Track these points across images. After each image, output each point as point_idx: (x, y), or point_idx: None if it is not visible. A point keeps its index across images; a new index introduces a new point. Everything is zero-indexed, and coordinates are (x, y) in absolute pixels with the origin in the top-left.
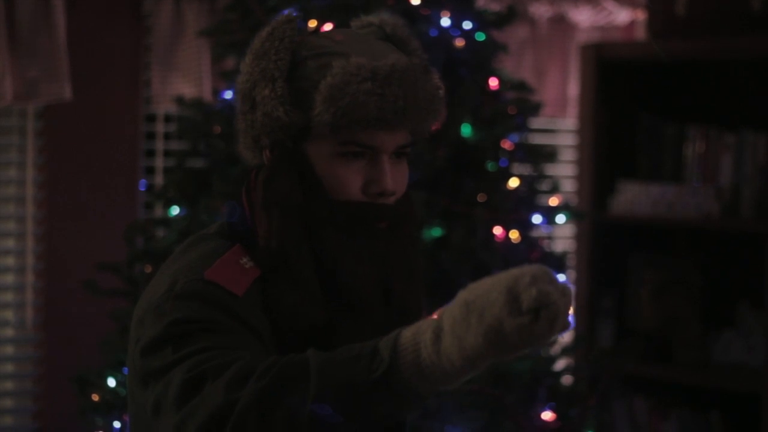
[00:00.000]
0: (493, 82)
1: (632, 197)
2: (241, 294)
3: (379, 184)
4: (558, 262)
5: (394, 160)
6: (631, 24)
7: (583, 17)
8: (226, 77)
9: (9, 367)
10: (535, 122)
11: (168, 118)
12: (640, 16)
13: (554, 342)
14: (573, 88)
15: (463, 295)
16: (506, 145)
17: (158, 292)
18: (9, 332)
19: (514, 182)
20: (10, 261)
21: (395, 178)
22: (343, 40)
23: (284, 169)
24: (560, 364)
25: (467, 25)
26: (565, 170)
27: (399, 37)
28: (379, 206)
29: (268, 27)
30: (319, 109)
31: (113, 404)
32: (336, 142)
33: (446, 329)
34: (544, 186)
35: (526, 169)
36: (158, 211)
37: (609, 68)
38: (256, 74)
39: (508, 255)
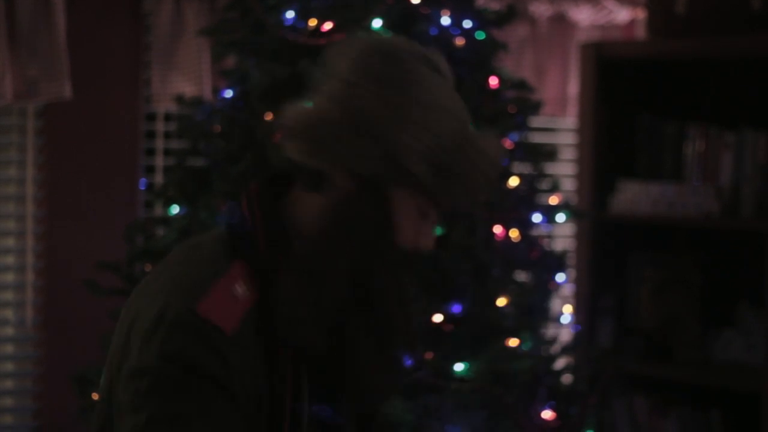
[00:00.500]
0: (493, 81)
1: (632, 196)
2: (229, 331)
3: (427, 243)
4: (558, 261)
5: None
6: (631, 23)
7: (583, 16)
8: (226, 76)
9: (9, 366)
10: (535, 121)
11: (168, 117)
12: (640, 15)
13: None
14: (573, 87)
15: None
16: (506, 143)
17: (150, 312)
18: (9, 331)
19: (514, 181)
20: (10, 260)
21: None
22: (453, 104)
23: (372, 205)
24: (560, 363)
25: (467, 23)
26: (565, 169)
27: (447, 77)
28: (422, 257)
29: (397, 52)
30: (427, 173)
31: None
32: (422, 199)
33: None
34: (544, 185)
35: (526, 168)
36: (158, 210)
37: (609, 67)
38: (381, 106)
39: (508, 254)
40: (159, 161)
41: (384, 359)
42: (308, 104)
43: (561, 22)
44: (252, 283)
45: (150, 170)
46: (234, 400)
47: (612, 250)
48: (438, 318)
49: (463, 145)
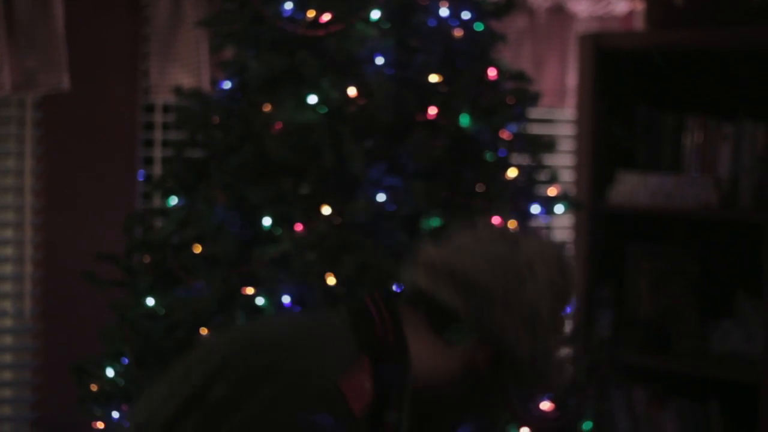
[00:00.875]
0: (492, 73)
1: (631, 187)
2: (357, 414)
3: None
4: None
5: None
6: (630, 14)
7: (581, 7)
8: (224, 67)
9: (7, 358)
10: (534, 112)
11: (166, 108)
12: (639, 6)
13: None
14: (571, 78)
15: None
16: (505, 135)
17: (286, 367)
18: (7, 322)
19: (512, 172)
20: (8, 251)
21: None
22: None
23: (499, 385)
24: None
25: (466, 15)
26: (563, 160)
27: None
28: None
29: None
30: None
31: (112, 394)
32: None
33: None
34: (543, 176)
35: (524, 159)
36: (157, 201)
37: (607, 58)
38: (519, 327)
39: None
40: (157, 152)
41: None
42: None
43: (559, 13)
44: (371, 381)
45: (148, 161)
46: None
47: (610, 241)
48: None
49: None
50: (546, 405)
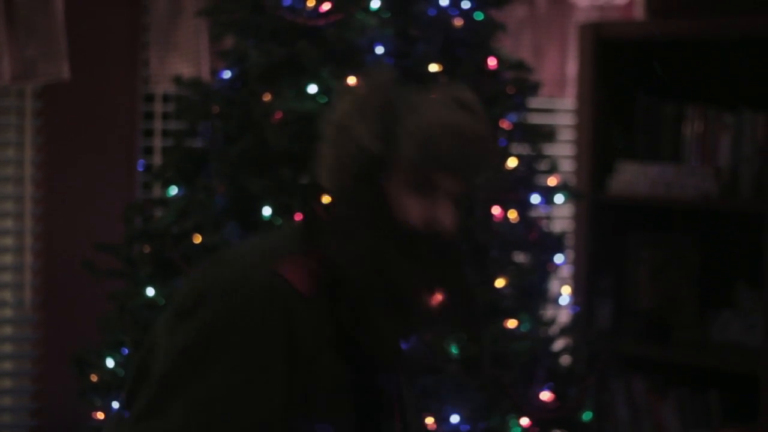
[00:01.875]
0: (492, 62)
1: (631, 177)
2: (307, 294)
3: (443, 224)
4: (556, 243)
5: (453, 203)
6: (630, 3)
7: None
8: (224, 56)
9: (7, 348)
10: (534, 102)
11: (166, 98)
12: None
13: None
14: (571, 68)
15: None
16: (505, 124)
17: (227, 270)
18: (7, 312)
19: (512, 162)
20: (8, 241)
21: (453, 219)
22: (433, 98)
23: (368, 197)
24: (558, 344)
25: (466, 4)
26: (563, 150)
27: (474, 107)
28: (437, 241)
29: (369, 78)
30: (406, 147)
31: (112, 384)
32: (412, 178)
33: None
34: (543, 166)
35: (524, 149)
36: (157, 191)
37: (608, 48)
38: (354, 112)
39: (507, 235)
40: (157, 142)
41: (395, 327)
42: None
43: (560, 2)
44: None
45: (148, 151)
46: (290, 362)
47: (610, 231)
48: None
49: (396, 109)
50: (546, 395)
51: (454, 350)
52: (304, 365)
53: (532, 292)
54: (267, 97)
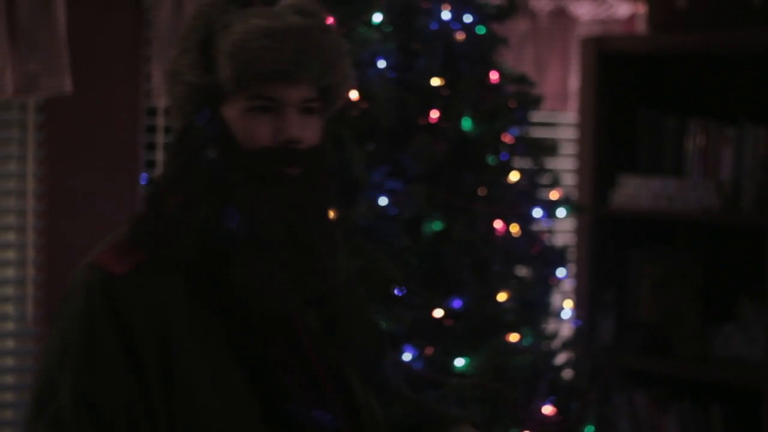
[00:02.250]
0: (494, 76)
1: (633, 191)
2: (123, 272)
3: (284, 133)
4: (558, 256)
5: (303, 115)
6: (632, 17)
7: (583, 10)
8: None
9: (9, 361)
10: (536, 116)
11: (169, 112)
12: (641, 9)
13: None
14: (573, 82)
15: None
16: (507, 138)
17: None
18: (9, 326)
19: (514, 176)
20: (10, 254)
21: (304, 130)
22: (252, 11)
23: (199, 126)
24: (561, 358)
25: (468, 18)
26: (565, 164)
27: (309, 11)
28: (286, 150)
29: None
30: (223, 67)
31: None
32: (244, 99)
33: None
34: (545, 180)
35: (526, 163)
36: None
37: (610, 62)
38: (178, 53)
39: (509, 249)
40: (159, 156)
41: (259, 263)
42: None
43: (561, 16)
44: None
45: (151, 165)
46: (129, 346)
47: (612, 245)
48: (438, 313)
49: (213, 35)
50: (548, 409)
51: (456, 364)
52: (153, 343)
53: (534, 306)
54: None
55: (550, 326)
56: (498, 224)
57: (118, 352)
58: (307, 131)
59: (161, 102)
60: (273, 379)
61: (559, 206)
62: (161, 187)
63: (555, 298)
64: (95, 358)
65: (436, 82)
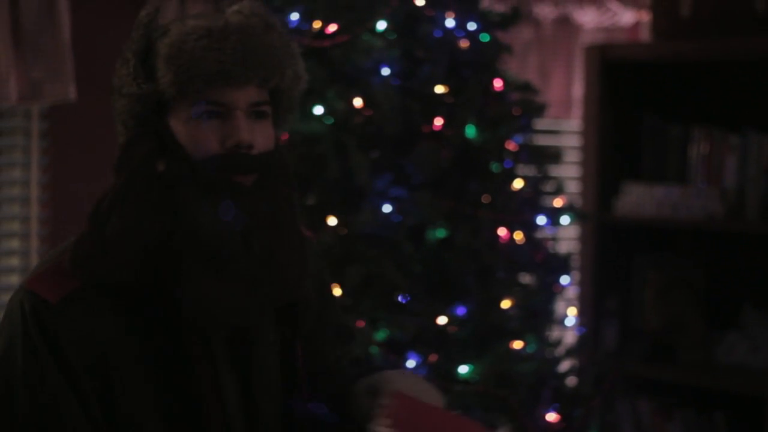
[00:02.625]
0: (498, 83)
1: (637, 198)
2: (55, 301)
3: (233, 138)
4: (562, 264)
5: (254, 120)
6: (636, 25)
7: (587, 18)
8: None
9: None
10: (540, 123)
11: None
12: (645, 17)
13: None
14: (577, 89)
15: None
16: (510, 146)
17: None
18: None
19: (518, 183)
20: (14, 262)
21: (255, 135)
22: (191, 15)
23: (142, 138)
24: (564, 366)
25: (472, 26)
26: (569, 171)
27: (252, 11)
28: (235, 156)
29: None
30: (163, 72)
31: None
32: (189, 106)
33: None
34: (549, 187)
35: (530, 171)
36: None
37: (613, 69)
38: (117, 65)
39: (513, 256)
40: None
41: (213, 277)
42: None
43: (565, 24)
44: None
45: None
46: (65, 370)
47: (616, 252)
48: (442, 320)
49: (152, 44)
50: (552, 416)
51: (459, 371)
52: (89, 372)
53: (538, 313)
54: None
55: (554, 333)
56: (502, 231)
57: (63, 385)
58: (259, 136)
59: None
60: (201, 407)
61: (563, 213)
62: (104, 205)
63: (559, 306)
64: (44, 391)
65: (440, 89)
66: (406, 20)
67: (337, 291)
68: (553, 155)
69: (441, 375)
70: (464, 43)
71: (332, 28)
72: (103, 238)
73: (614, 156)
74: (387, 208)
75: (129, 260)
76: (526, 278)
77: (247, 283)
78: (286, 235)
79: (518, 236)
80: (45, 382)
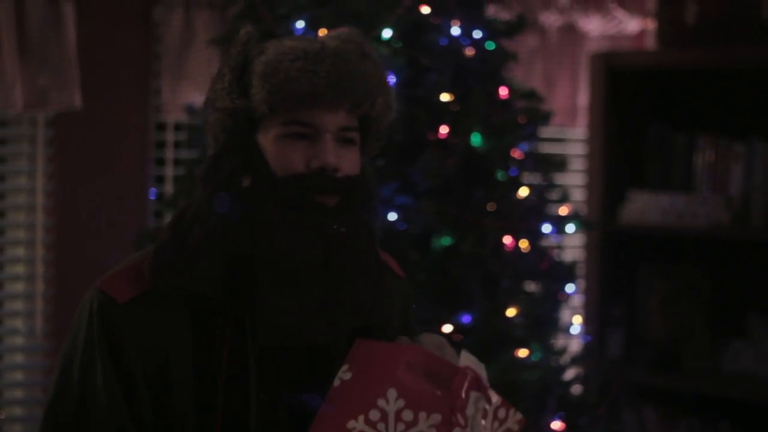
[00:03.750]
0: (503, 91)
1: (642, 206)
2: (122, 301)
3: (319, 159)
4: (567, 272)
5: (341, 145)
6: (641, 33)
7: (593, 26)
8: None
9: (18, 376)
10: (545, 131)
11: (178, 127)
12: (650, 25)
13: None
14: (583, 97)
15: None
16: (516, 154)
17: None
18: (18, 340)
19: (523, 191)
20: (19, 269)
21: (341, 159)
22: (288, 38)
23: (230, 152)
24: (570, 374)
25: (477, 34)
26: (574, 179)
27: (349, 38)
28: (319, 176)
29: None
30: (256, 89)
31: None
32: (279, 125)
33: None
34: (554, 195)
35: (535, 179)
36: (168, 220)
37: (619, 77)
38: (214, 83)
39: (518, 264)
40: (169, 171)
41: (289, 293)
42: None
43: (571, 32)
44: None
45: (160, 180)
46: (114, 369)
47: (622, 260)
48: (447, 328)
49: (249, 63)
50: (557, 424)
51: None
52: (145, 373)
53: (543, 322)
54: None
55: (559, 341)
56: (507, 239)
57: (112, 377)
58: (345, 161)
59: (170, 116)
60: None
61: (569, 222)
62: (187, 215)
63: (564, 314)
64: (93, 379)
65: (445, 97)
66: (412, 28)
67: None
68: (559, 163)
69: None
70: (470, 51)
71: None
72: (184, 247)
73: (619, 164)
74: (392, 216)
75: (207, 271)
76: (531, 286)
77: (321, 303)
78: (362, 260)
79: (523, 244)
80: (95, 371)
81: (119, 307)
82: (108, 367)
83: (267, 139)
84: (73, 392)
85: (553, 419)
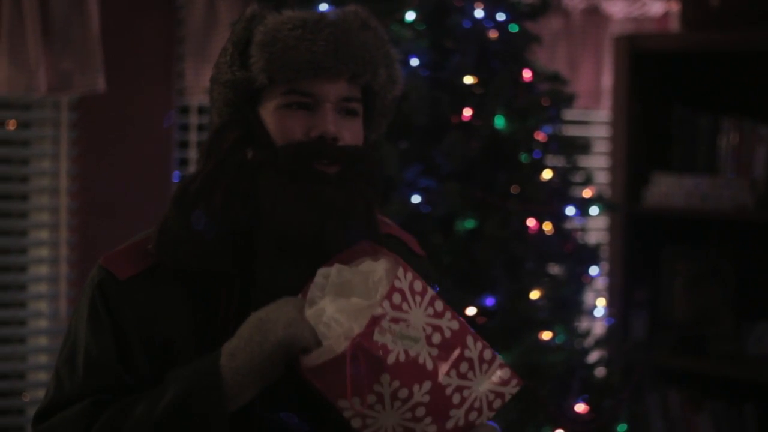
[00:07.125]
0: (527, 74)
1: (666, 189)
2: (123, 278)
3: (318, 128)
4: (591, 254)
5: (342, 115)
6: (665, 15)
7: (616, 8)
8: None
9: (43, 358)
10: (569, 114)
11: (201, 110)
12: (674, 7)
13: None
14: (607, 80)
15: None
16: (540, 136)
17: None
18: (43, 324)
19: (547, 174)
20: (44, 252)
21: (342, 129)
22: (288, 9)
23: (232, 125)
24: (594, 356)
25: (501, 16)
26: (598, 162)
27: (351, 9)
28: (318, 144)
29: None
30: (256, 59)
31: None
32: (279, 95)
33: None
34: (578, 178)
35: (559, 161)
36: None
37: (643, 59)
38: (219, 58)
39: (542, 247)
40: (192, 154)
41: (288, 263)
42: None
43: (595, 14)
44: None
45: (183, 163)
46: (121, 342)
47: (645, 243)
48: (471, 311)
49: (252, 37)
50: (581, 407)
51: None
52: (144, 348)
53: (567, 304)
54: None
55: (583, 324)
56: (531, 222)
57: (111, 349)
58: (346, 131)
59: (194, 100)
60: None
61: (592, 204)
62: (191, 190)
63: (588, 296)
64: (95, 351)
65: (469, 80)
66: (435, 11)
67: None
68: (582, 146)
69: None
70: (493, 34)
71: None
72: (188, 224)
73: (643, 146)
74: (416, 199)
75: (214, 246)
76: (555, 269)
77: (314, 269)
78: (362, 231)
79: (547, 227)
80: (93, 332)
81: (120, 282)
82: (106, 330)
83: (267, 111)
84: (70, 340)
85: (577, 402)
